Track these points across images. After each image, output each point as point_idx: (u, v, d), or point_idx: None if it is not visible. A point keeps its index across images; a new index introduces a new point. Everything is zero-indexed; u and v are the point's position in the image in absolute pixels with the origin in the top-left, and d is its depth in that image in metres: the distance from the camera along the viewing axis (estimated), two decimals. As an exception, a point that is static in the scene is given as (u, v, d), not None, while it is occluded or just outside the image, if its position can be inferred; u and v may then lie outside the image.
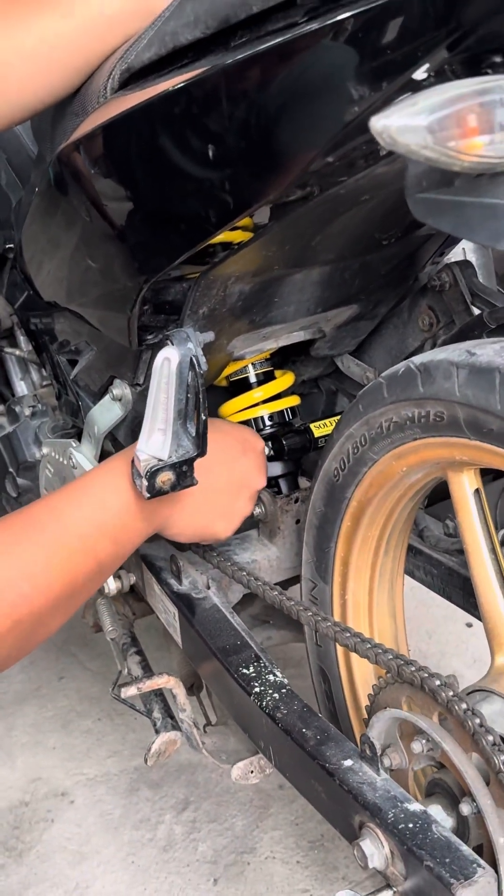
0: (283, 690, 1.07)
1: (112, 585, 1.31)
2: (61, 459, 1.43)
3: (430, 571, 1.31)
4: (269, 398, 1.31)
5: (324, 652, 1.25)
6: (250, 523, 1.40)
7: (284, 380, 1.32)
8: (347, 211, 0.97)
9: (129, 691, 1.26)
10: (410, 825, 0.90)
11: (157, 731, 1.32)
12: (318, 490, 1.16)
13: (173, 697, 1.30)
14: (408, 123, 0.63)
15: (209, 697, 1.40)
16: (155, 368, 1.00)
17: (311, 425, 1.31)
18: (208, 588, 1.26)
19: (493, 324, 1.13)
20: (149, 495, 1.01)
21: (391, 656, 0.97)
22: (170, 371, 0.99)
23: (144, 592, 1.35)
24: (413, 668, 0.94)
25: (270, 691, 1.07)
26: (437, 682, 0.92)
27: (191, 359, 0.99)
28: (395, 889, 0.92)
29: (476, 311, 1.20)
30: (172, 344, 1.04)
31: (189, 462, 1.02)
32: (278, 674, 1.10)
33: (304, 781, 1.01)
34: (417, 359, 0.97)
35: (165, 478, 1.01)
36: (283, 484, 1.32)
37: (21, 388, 1.68)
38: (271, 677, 1.09)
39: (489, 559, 1.01)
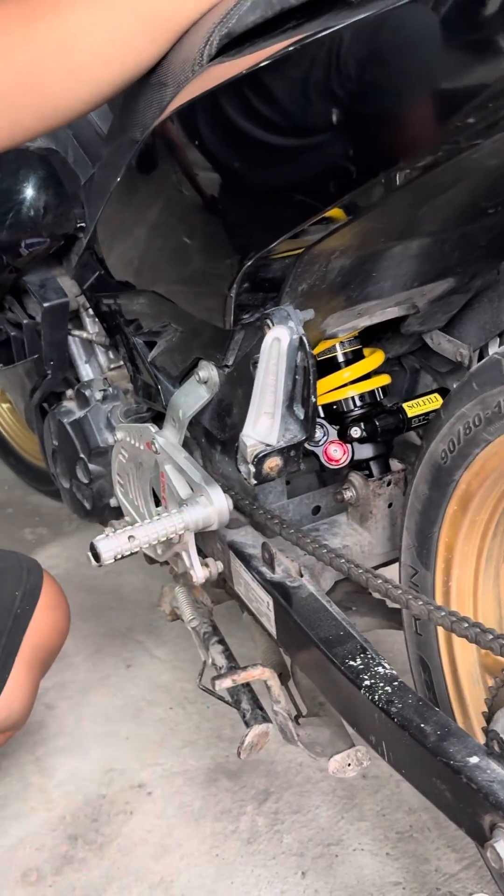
0: (395, 683, 1.03)
1: (200, 574, 1.26)
2: (137, 444, 1.38)
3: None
4: (359, 378, 1.26)
5: (424, 640, 1.21)
6: (338, 507, 1.36)
7: (374, 358, 1.27)
8: (470, 178, 0.91)
9: (224, 683, 1.22)
10: (550, 826, 0.85)
11: (248, 724, 1.28)
12: (421, 473, 1.11)
13: (267, 689, 1.25)
14: None
15: (297, 687, 1.35)
16: (263, 349, 0.96)
17: (404, 405, 1.26)
18: (301, 576, 1.22)
19: None
20: (255, 482, 0.97)
21: (518, 648, 0.92)
22: (280, 352, 0.94)
23: (231, 580, 1.31)
24: (545, 661, 0.90)
25: (382, 684, 1.03)
26: None
27: (300, 339, 0.95)
28: (530, 892, 0.88)
29: None
30: (273, 323, 1.00)
31: (297, 447, 0.97)
32: (387, 665, 1.06)
33: (425, 779, 0.96)
34: (540, 333, 0.92)
35: (273, 464, 0.97)
36: (374, 466, 1.27)
37: (86, 371, 1.64)
38: (380, 669, 1.05)
39: None
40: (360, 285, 1.10)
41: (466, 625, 0.97)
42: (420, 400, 1.27)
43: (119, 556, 1.18)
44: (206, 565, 1.28)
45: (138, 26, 1.03)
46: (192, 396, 1.23)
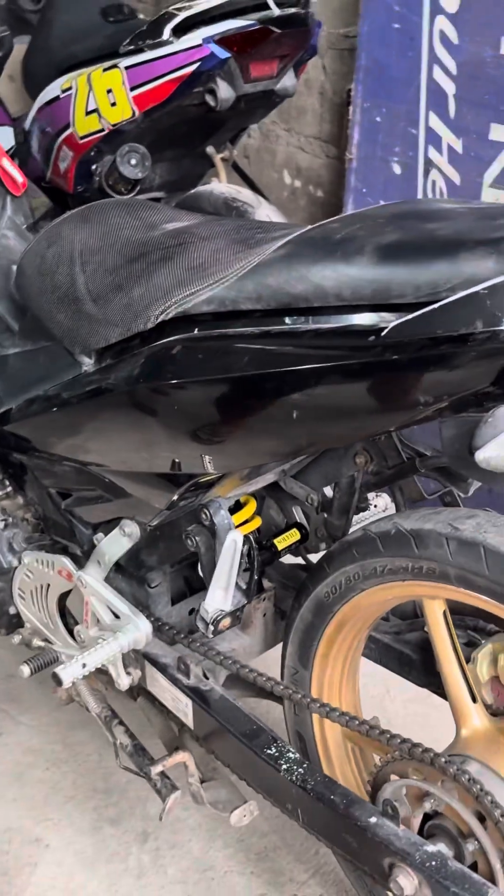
0: (304, 765, 1.43)
1: (125, 682, 1.61)
2: (47, 570, 1.70)
3: (370, 647, 1.70)
4: (241, 523, 1.64)
5: (300, 719, 1.62)
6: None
7: (249, 507, 1.65)
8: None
9: (156, 769, 1.58)
10: (433, 862, 1.29)
11: (161, 793, 1.64)
12: (307, 606, 1.51)
13: (185, 767, 1.62)
14: (500, 454, 1.01)
15: (191, 755, 1.72)
16: (225, 548, 1.33)
17: (275, 540, 1.65)
18: (206, 678, 1.59)
19: (423, 469, 1.53)
20: (212, 636, 1.34)
21: (399, 740, 1.35)
22: (235, 549, 1.32)
23: (146, 684, 1.66)
24: (421, 750, 1.33)
25: (295, 767, 1.43)
26: (444, 760, 1.31)
27: (250, 538, 1.32)
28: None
29: (405, 456, 1.58)
30: (209, 512, 1.37)
31: (242, 608, 1.35)
32: (293, 751, 1.46)
33: (336, 835, 1.38)
34: (406, 524, 1.35)
35: (226, 622, 1.34)
36: (254, 587, 1.66)
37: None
38: (291, 755, 1.45)
39: (454, 658, 1.40)
40: (256, 471, 1.49)
41: (357, 722, 1.39)
42: (284, 536, 1.67)
43: (76, 680, 1.51)
44: (129, 674, 1.62)
45: None
46: (116, 545, 1.57)
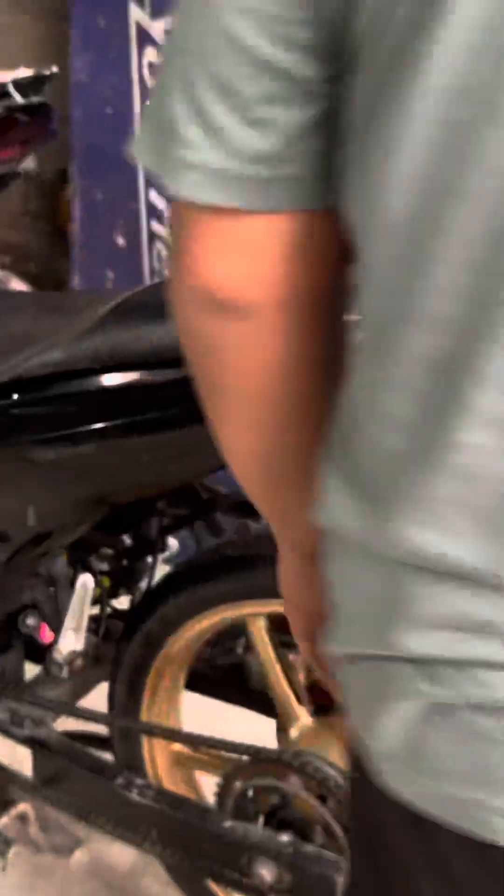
0: (154, 788, 1.54)
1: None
2: None
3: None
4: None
5: (131, 747, 1.72)
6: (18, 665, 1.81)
7: (63, 558, 1.75)
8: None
9: (2, 821, 1.62)
10: (290, 850, 1.44)
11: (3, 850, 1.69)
12: (136, 642, 1.62)
13: (21, 819, 1.68)
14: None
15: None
16: (77, 590, 1.42)
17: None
18: (39, 726, 1.66)
19: (223, 507, 1.70)
20: (68, 677, 1.43)
21: (245, 747, 1.50)
22: (87, 591, 1.42)
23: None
24: (267, 752, 1.48)
25: (147, 790, 1.53)
26: (290, 755, 1.47)
27: (99, 581, 1.43)
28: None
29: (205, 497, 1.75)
30: (46, 564, 1.47)
31: (94, 647, 1.45)
32: (141, 779, 1.56)
33: (194, 845, 1.49)
34: (233, 551, 1.51)
35: (79, 661, 1.44)
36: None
37: None
38: (139, 781, 1.55)
39: (279, 667, 1.57)
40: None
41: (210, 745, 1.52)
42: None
43: None
44: (-40, 734, 1.66)
45: None
46: None
